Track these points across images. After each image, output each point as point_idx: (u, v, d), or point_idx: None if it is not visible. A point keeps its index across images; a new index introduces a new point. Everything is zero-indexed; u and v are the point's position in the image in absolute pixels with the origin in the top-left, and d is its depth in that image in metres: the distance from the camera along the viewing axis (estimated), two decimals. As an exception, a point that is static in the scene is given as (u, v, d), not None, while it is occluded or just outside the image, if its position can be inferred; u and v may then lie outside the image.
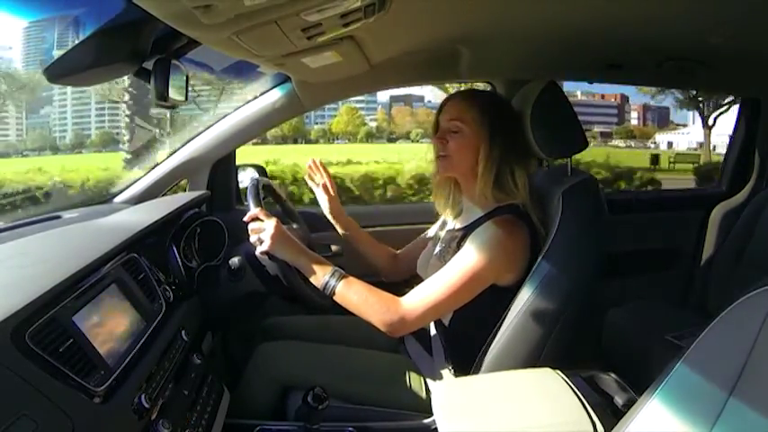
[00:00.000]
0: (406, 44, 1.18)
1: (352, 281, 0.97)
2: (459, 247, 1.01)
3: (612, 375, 0.96)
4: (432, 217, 1.24)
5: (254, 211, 1.02)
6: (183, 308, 0.98)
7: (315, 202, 1.30)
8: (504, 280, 0.99)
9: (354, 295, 0.96)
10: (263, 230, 1.00)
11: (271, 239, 0.98)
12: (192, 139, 1.42)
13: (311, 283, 1.00)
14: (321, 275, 0.98)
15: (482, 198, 1.04)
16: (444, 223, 1.19)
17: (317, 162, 1.25)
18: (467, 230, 1.03)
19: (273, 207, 1.29)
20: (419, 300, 0.96)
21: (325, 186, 1.25)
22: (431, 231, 1.25)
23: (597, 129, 7.99)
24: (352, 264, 1.30)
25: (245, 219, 1.03)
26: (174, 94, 0.95)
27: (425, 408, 0.97)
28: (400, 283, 1.25)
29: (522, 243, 0.99)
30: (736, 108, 1.87)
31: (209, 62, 1.27)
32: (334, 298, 0.97)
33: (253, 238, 1.01)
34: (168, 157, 1.43)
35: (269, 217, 1.01)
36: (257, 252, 1.02)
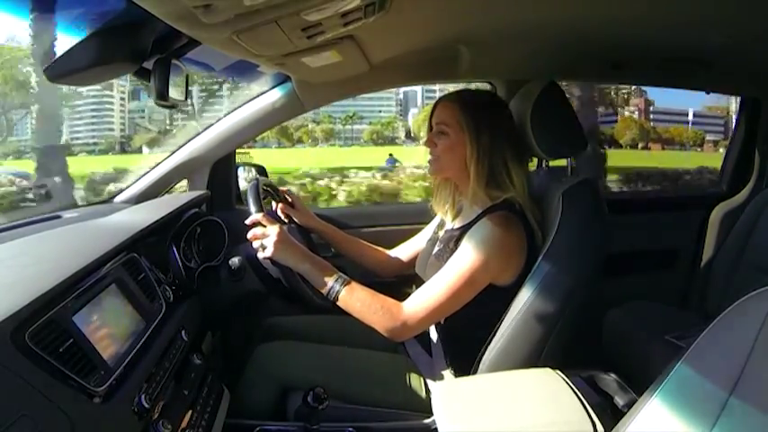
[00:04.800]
0: (406, 44, 1.18)
1: (356, 287, 0.97)
2: (456, 246, 1.01)
3: (612, 375, 0.97)
4: (430, 217, 1.24)
5: (255, 216, 1.01)
6: (183, 308, 0.97)
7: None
8: (501, 279, 0.99)
9: (357, 302, 0.96)
10: (266, 236, 0.98)
11: (274, 246, 0.97)
12: (192, 139, 1.42)
13: (312, 286, 1.00)
14: (325, 281, 0.97)
15: (477, 196, 1.04)
16: (442, 223, 1.19)
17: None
18: (464, 230, 1.03)
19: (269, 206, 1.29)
20: (420, 304, 0.96)
21: (287, 203, 1.28)
22: (428, 230, 1.25)
23: (709, 137, 8.52)
24: (352, 263, 1.31)
25: (247, 222, 1.01)
26: (173, 93, 0.95)
27: (425, 408, 0.97)
28: (404, 283, 1.25)
29: (518, 240, 0.99)
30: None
31: (209, 62, 1.27)
32: (338, 303, 0.97)
33: (255, 244, 0.99)
34: (168, 156, 1.43)
35: (271, 222, 1.00)
36: (260, 257, 1.01)
